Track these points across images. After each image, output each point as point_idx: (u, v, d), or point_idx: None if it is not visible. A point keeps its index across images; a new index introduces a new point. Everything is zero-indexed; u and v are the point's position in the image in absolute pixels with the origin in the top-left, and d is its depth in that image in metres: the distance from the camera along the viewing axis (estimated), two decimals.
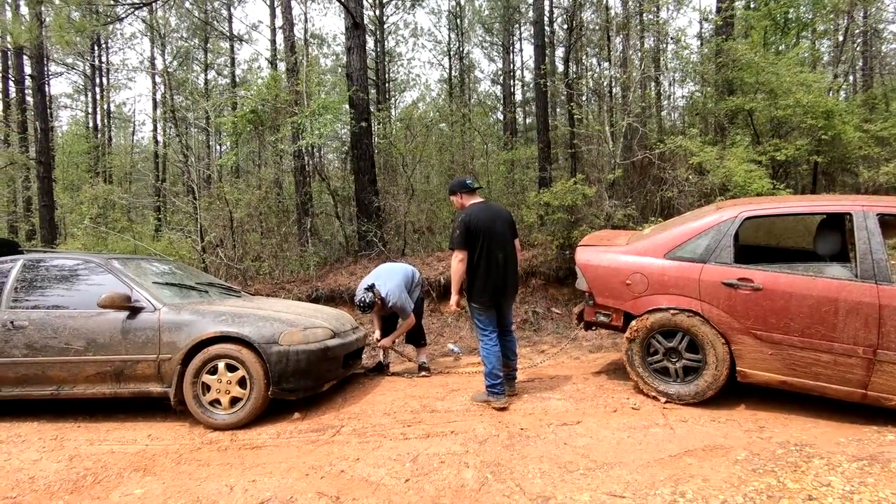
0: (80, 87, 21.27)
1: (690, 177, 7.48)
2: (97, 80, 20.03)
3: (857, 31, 13.48)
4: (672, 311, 3.58)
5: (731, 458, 2.68)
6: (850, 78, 14.85)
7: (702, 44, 13.78)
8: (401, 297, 4.76)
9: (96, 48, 19.43)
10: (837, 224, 3.80)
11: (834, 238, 3.75)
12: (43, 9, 11.51)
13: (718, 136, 8.80)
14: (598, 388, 4.06)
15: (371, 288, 4.74)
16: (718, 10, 9.86)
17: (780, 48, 9.23)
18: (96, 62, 19.37)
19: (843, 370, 3.17)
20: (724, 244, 3.53)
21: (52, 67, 17.96)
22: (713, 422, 3.26)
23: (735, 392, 3.65)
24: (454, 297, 3.88)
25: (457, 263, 3.73)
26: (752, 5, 10.04)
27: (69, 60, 18.87)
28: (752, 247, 4.51)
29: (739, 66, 8.05)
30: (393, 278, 4.86)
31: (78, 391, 3.86)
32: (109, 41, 20.15)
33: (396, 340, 5.12)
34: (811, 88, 7.31)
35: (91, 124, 20.46)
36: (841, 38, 11.79)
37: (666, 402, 3.60)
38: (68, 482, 2.91)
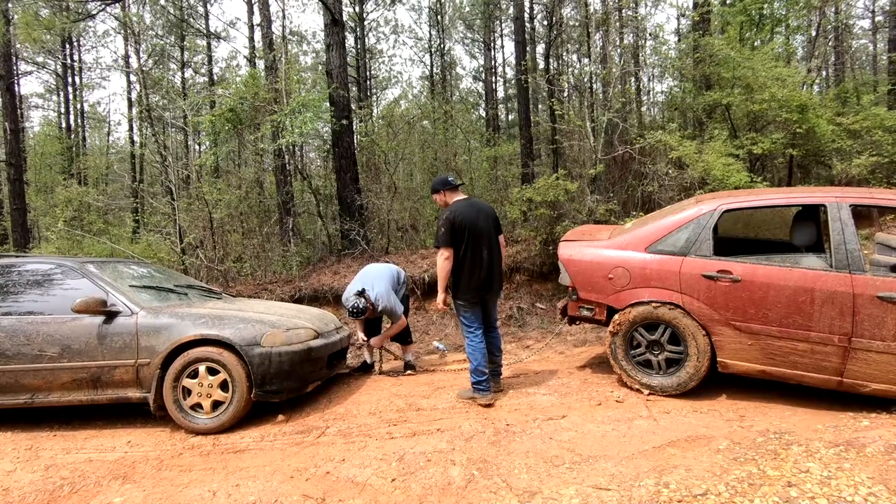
0: (52, 86, 20.67)
1: (670, 171, 7.58)
2: (69, 79, 19.50)
3: (829, 26, 13.79)
4: (654, 304, 3.62)
5: (713, 447, 2.72)
6: (823, 73, 15.18)
7: (679, 39, 13.97)
8: (390, 300, 4.72)
9: (68, 46, 18.90)
10: (812, 215, 3.88)
11: (809, 229, 3.83)
12: (10, 5, 11.16)
13: (697, 130, 8.93)
14: (582, 382, 4.09)
15: (362, 293, 4.65)
16: (695, 5, 10.00)
17: (756, 43, 9.38)
18: (68, 60, 18.85)
19: (819, 358, 3.24)
20: (704, 237, 3.58)
21: (22, 66, 17.44)
22: (695, 412, 3.30)
23: (716, 382, 3.71)
24: (441, 296, 3.85)
25: (442, 261, 3.71)
26: (727, 1, 10.19)
27: (40, 59, 18.32)
28: (731, 239, 4.59)
29: (716, 61, 8.17)
30: (380, 281, 4.80)
31: (53, 399, 3.75)
32: (81, 39, 19.61)
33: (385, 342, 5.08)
34: (786, 83, 7.45)
35: (64, 125, 19.92)
36: (814, 34, 12.05)
37: (649, 394, 3.65)
38: (44, 493, 2.82)
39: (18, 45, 14.11)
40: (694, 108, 9.13)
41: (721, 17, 9.47)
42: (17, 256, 4.60)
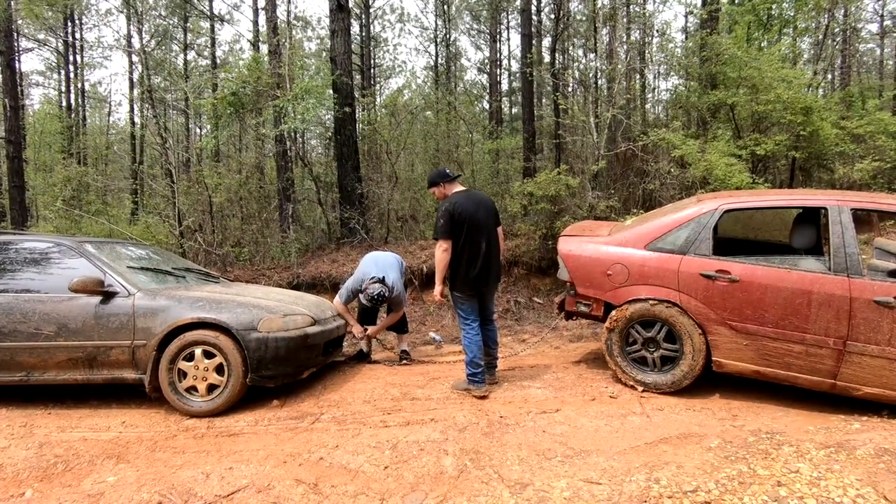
0: (53, 64, 20.48)
1: (672, 169, 7.57)
2: (71, 58, 19.31)
3: (836, 29, 13.71)
4: (651, 302, 3.62)
5: (705, 445, 2.74)
6: (829, 76, 15.12)
7: (686, 37, 13.88)
8: (401, 288, 4.71)
9: (69, 24, 18.70)
10: (813, 218, 3.88)
11: (809, 232, 3.83)
12: None
13: (700, 129, 8.90)
14: (577, 377, 4.10)
15: (382, 280, 4.58)
16: (704, 3, 9.93)
17: (763, 44, 9.33)
18: (69, 38, 18.66)
19: (814, 361, 3.25)
20: (704, 236, 3.58)
21: (23, 43, 17.26)
22: (688, 410, 3.32)
23: (710, 381, 3.73)
24: (438, 287, 3.84)
25: (441, 253, 3.70)
26: (736, 0, 10.12)
27: (41, 36, 18.14)
28: (731, 239, 4.59)
29: (723, 60, 8.12)
30: (392, 269, 4.77)
31: (49, 377, 3.75)
32: (83, 17, 19.42)
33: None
34: (791, 85, 7.41)
35: (64, 103, 19.74)
36: (821, 36, 11.97)
37: (643, 391, 3.66)
38: (38, 469, 2.83)
39: (20, 21, 13.96)
40: (698, 107, 9.09)
41: (729, 16, 9.41)
42: (14, 234, 4.58)
